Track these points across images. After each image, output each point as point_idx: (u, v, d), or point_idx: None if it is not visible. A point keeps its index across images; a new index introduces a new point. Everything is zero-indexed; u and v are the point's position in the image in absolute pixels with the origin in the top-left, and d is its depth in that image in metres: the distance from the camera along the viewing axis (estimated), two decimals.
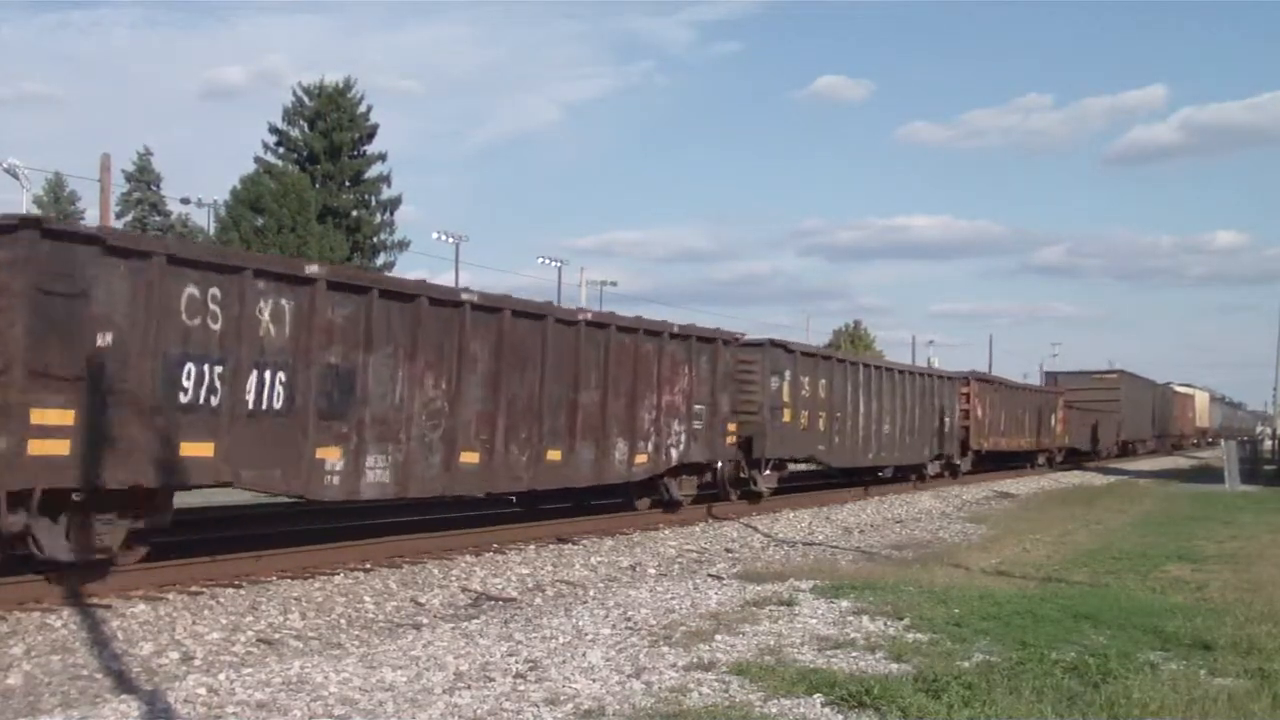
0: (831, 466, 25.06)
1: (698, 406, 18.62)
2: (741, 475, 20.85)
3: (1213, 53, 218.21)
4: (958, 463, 32.16)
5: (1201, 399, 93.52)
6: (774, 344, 21.56)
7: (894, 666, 7.28)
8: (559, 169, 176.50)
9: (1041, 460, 42.24)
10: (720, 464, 19.85)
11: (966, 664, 7.32)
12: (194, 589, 10.41)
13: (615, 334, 16.47)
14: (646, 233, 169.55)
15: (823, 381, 23.16)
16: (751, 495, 21.17)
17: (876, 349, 79.66)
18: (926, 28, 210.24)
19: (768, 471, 21.35)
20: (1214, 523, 20.06)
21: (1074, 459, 46.82)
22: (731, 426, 19.72)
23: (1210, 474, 37.55)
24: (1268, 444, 53.82)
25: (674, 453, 18.00)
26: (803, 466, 25.67)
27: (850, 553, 15.77)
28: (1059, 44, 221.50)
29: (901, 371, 29.05)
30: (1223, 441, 48.97)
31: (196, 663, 8.17)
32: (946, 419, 30.88)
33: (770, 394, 20.97)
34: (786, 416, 21.53)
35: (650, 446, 17.36)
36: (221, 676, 7.04)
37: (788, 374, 21.47)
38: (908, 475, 29.28)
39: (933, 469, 30.55)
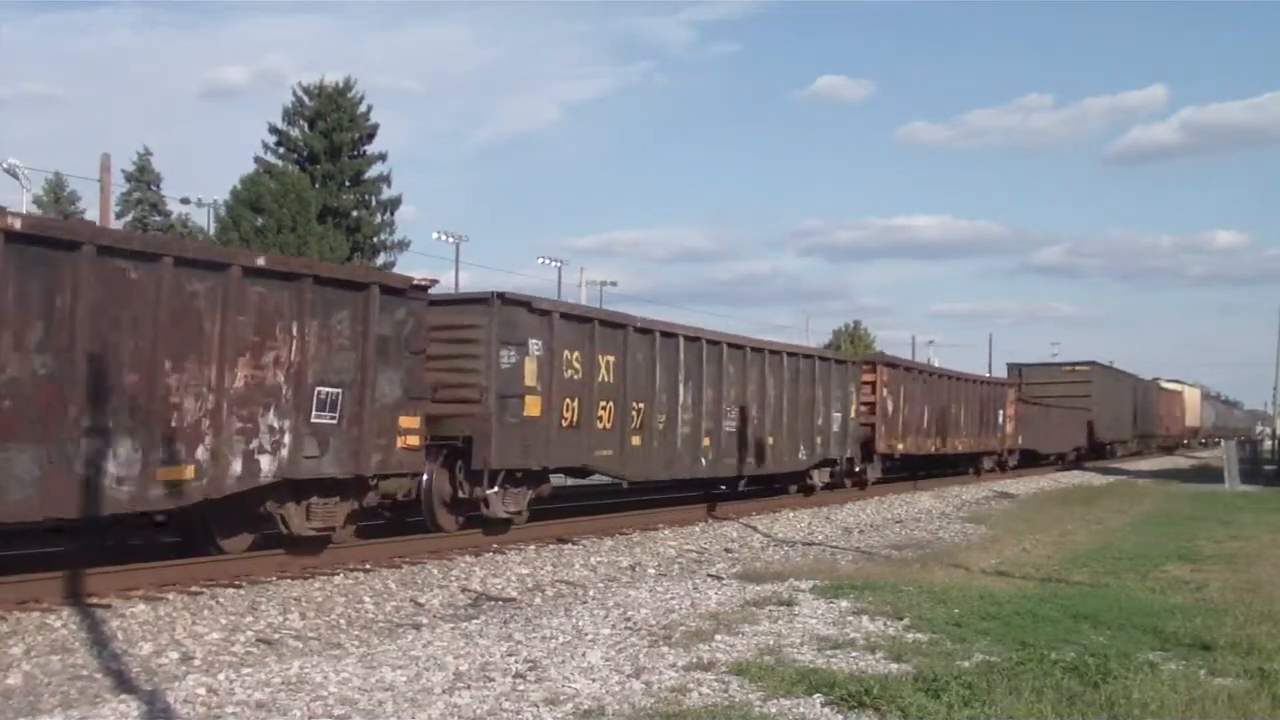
0: (627, 479, 18.14)
1: (325, 390, 11.87)
2: (459, 495, 14.50)
3: (1213, 53, 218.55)
4: (861, 469, 25.57)
5: (1192, 396, 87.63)
6: (508, 301, 14.56)
7: (894, 666, 7.28)
8: (559, 169, 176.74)
9: (990, 465, 35.86)
10: (355, 478, 12.32)
11: (966, 664, 7.32)
12: (194, 589, 10.41)
13: None
14: (646, 233, 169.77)
15: (609, 359, 16.32)
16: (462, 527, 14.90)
17: (876, 349, 79.06)
18: (927, 28, 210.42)
19: (495, 490, 14.50)
20: (1214, 523, 20.07)
21: (1034, 462, 40.95)
22: (408, 421, 12.87)
23: (1210, 474, 37.56)
24: (1268, 444, 53.82)
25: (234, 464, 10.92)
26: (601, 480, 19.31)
27: (850, 553, 15.77)
28: (1059, 44, 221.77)
29: (760, 350, 21.02)
30: (1222, 441, 48.64)
31: (196, 663, 8.16)
32: (838, 415, 24.00)
33: (500, 374, 14.33)
34: (531, 408, 14.78)
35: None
36: (221, 676, 7.04)
37: (535, 346, 14.73)
38: (785, 487, 23.05)
39: (819, 478, 23.54)
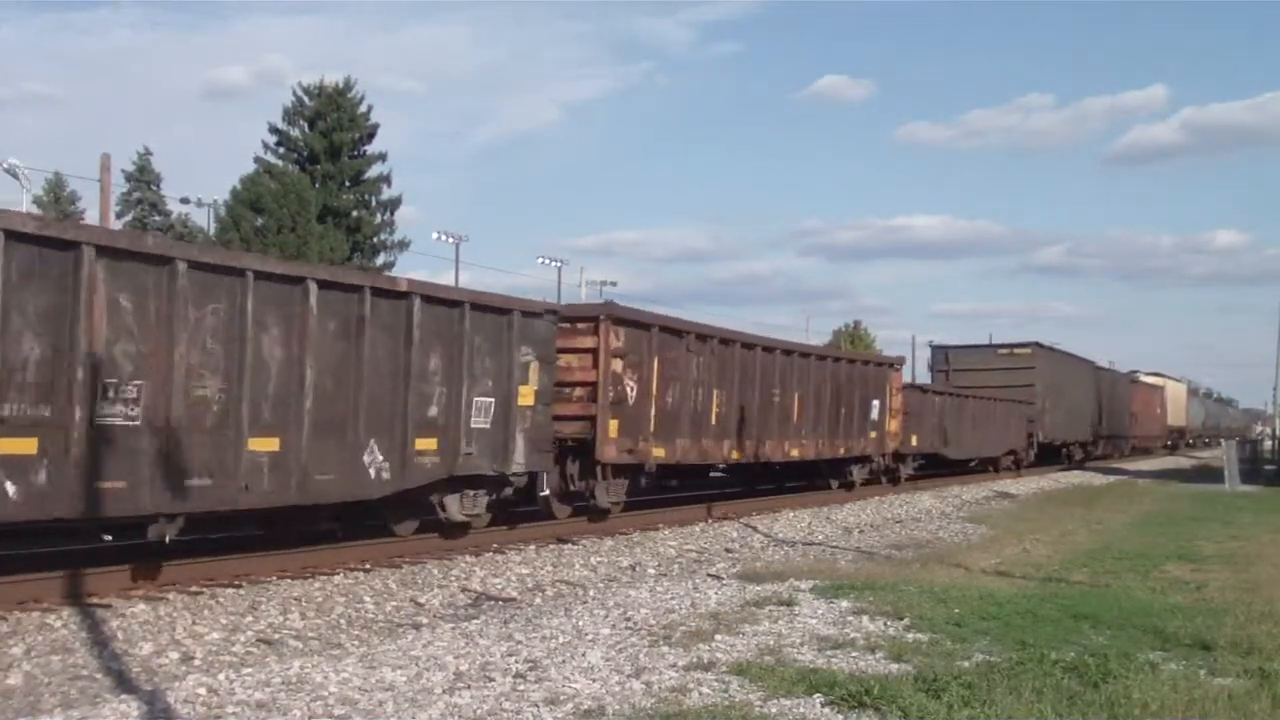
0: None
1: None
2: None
3: (1214, 53, 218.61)
4: (545, 492, 15.61)
5: (1176, 391, 77.55)
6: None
7: (894, 666, 7.28)
8: (559, 169, 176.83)
9: (858, 475, 25.91)
10: None
11: (966, 664, 7.32)
12: (194, 589, 10.41)
13: None
14: (646, 233, 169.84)
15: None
16: None
17: (876, 349, 78.86)
18: (927, 28, 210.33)
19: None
20: (1214, 523, 20.08)
21: (947, 470, 33.26)
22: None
23: (1210, 474, 37.56)
24: (1268, 444, 53.81)
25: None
26: None
27: (850, 553, 15.76)
28: (1060, 44, 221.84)
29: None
30: (1222, 441, 47.74)
31: (196, 663, 8.16)
32: (493, 399, 14.13)
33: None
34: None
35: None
36: (221, 676, 7.04)
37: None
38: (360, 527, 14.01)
39: (458, 509, 13.97)
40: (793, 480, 25.71)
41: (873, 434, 26.16)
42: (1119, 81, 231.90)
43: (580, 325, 16.48)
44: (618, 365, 16.51)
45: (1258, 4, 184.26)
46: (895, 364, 28.62)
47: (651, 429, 17.35)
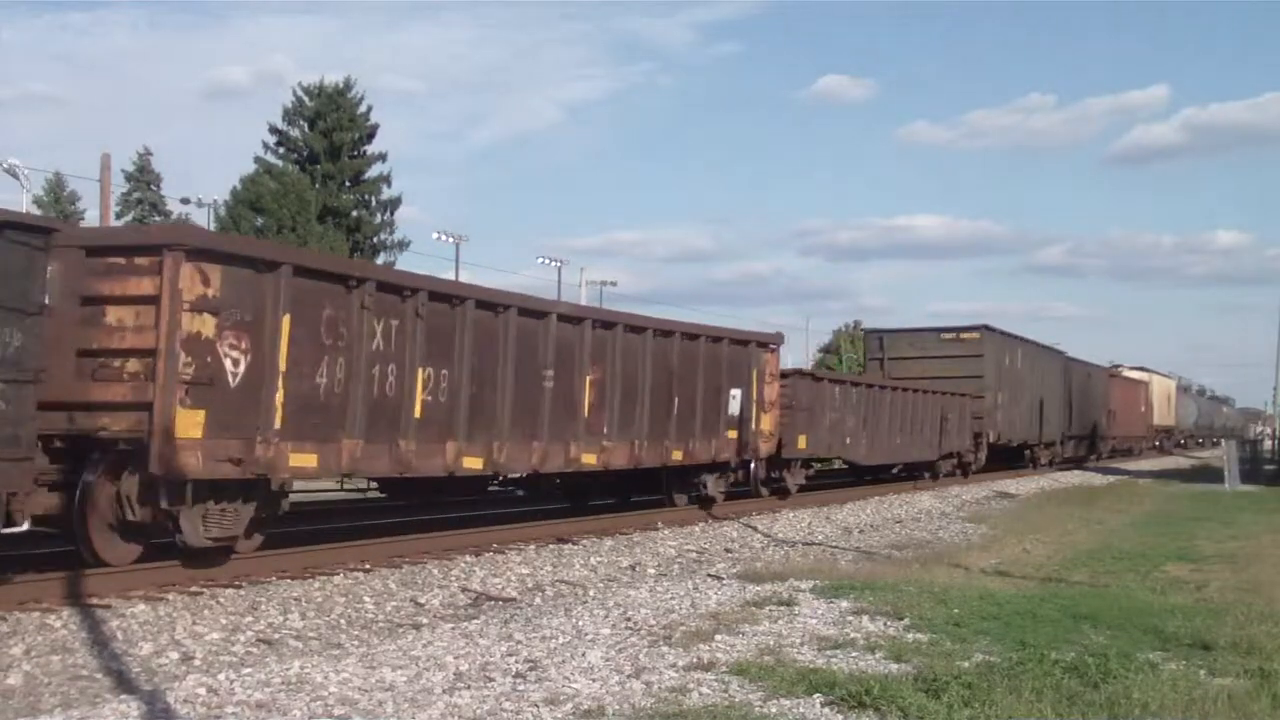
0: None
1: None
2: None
3: (1215, 53, 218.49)
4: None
5: (1163, 387, 71.42)
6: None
7: (894, 666, 7.28)
8: (559, 169, 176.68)
9: (714, 489, 19.92)
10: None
11: (966, 664, 7.32)
12: (194, 589, 10.40)
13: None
14: (647, 233, 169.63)
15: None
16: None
17: None
18: (929, 28, 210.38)
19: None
20: (1214, 523, 20.08)
21: (855, 479, 28.63)
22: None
23: (1210, 474, 37.57)
24: (1267, 444, 53.84)
25: None
26: None
27: (850, 553, 15.77)
28: (1061, 44, 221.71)
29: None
30: (1222, 441, 47.07)
31: (196, 663, 8.16)
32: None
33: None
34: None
35: None
36: (221, 676, 7.04)
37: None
38: None
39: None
40: (628, 493, 19.84)
41: (730, 433, 19.56)
42: (1120, 81, 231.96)
43: (137, 262, 10.40)
44: (204, 325, 10.36)
45: (1258, 4, 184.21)
46: (769, 343, 21.41)
47: (278, 424, 11.06)
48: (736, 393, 19.88)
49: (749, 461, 20.88)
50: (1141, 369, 67.79)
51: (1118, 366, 62.70)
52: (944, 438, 30.34)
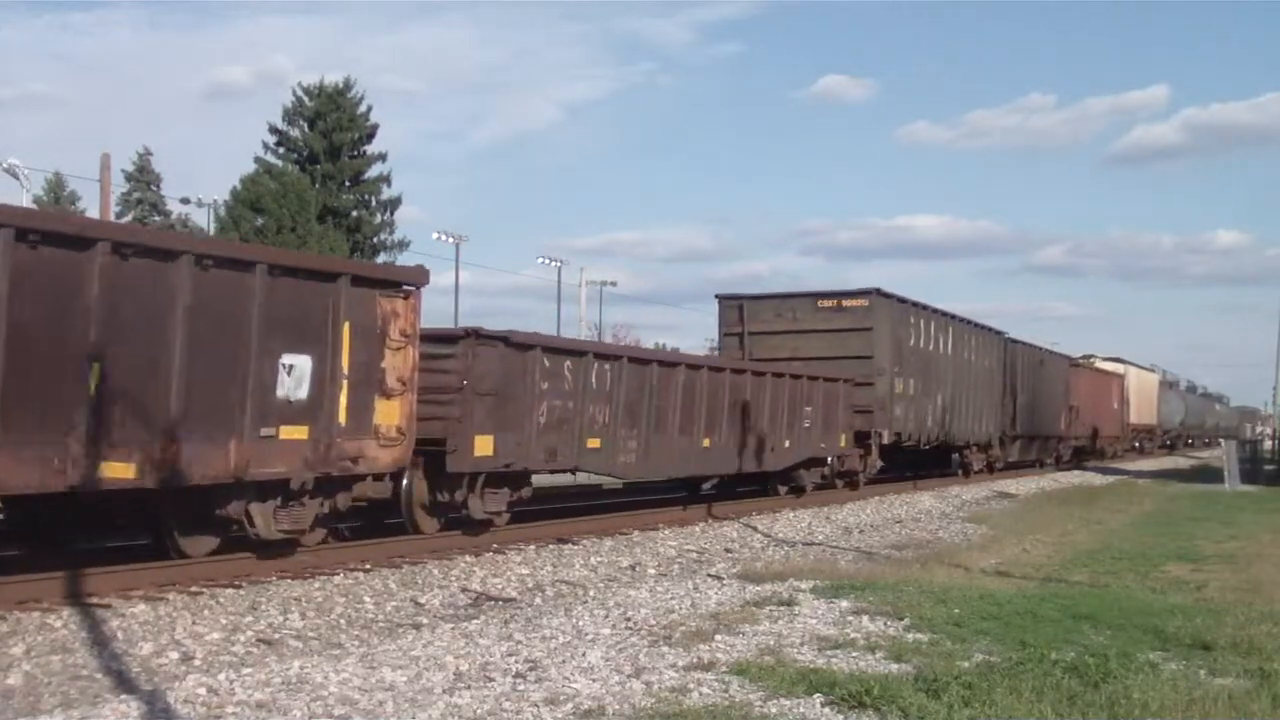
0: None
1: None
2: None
3: (1215, 53, 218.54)
4: None
5: (1143, 382, 63.04)
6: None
7: (894, 666, 7.28)
8: (559, 169, 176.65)
9: (264, 525, 11.24)
10: None
11: (966, 664, 7.32)
12: (194, 589, 10.41)
13: None
14: (647, 233, 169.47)
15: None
16: None
17: None
18: (929, 28, 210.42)
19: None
20: (1214, 523, 20.09)
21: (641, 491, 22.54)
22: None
23: (1210, 474, 37.56)
24: (1267, 444, 53.82)
25: None
26: None
27: (850, 553, 15.76)
28: (1061, 44, 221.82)
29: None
30: (1222, 441, 46.27)
31: (196, 663, 8.16)
32: None
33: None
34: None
35: None
36: (221, 676, 7.04)
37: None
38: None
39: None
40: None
41: (287, 431, 11.43)
42: (1120, 82, 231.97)
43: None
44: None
45: (1260, 4, 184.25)
46: (393, 282, 13.11)
47: None
48: (303, 362, 11.66)
49: (351, 474, 12.21)
50: (1117, 359, 58.66)
51: (1089, 357, 54.68)
52: (800, 438, 22.20)
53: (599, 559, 14.25)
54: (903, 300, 26.82)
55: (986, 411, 32.93)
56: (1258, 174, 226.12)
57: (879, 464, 25.94)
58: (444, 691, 6.61)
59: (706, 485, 22.05)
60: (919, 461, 30.79)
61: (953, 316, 30.52)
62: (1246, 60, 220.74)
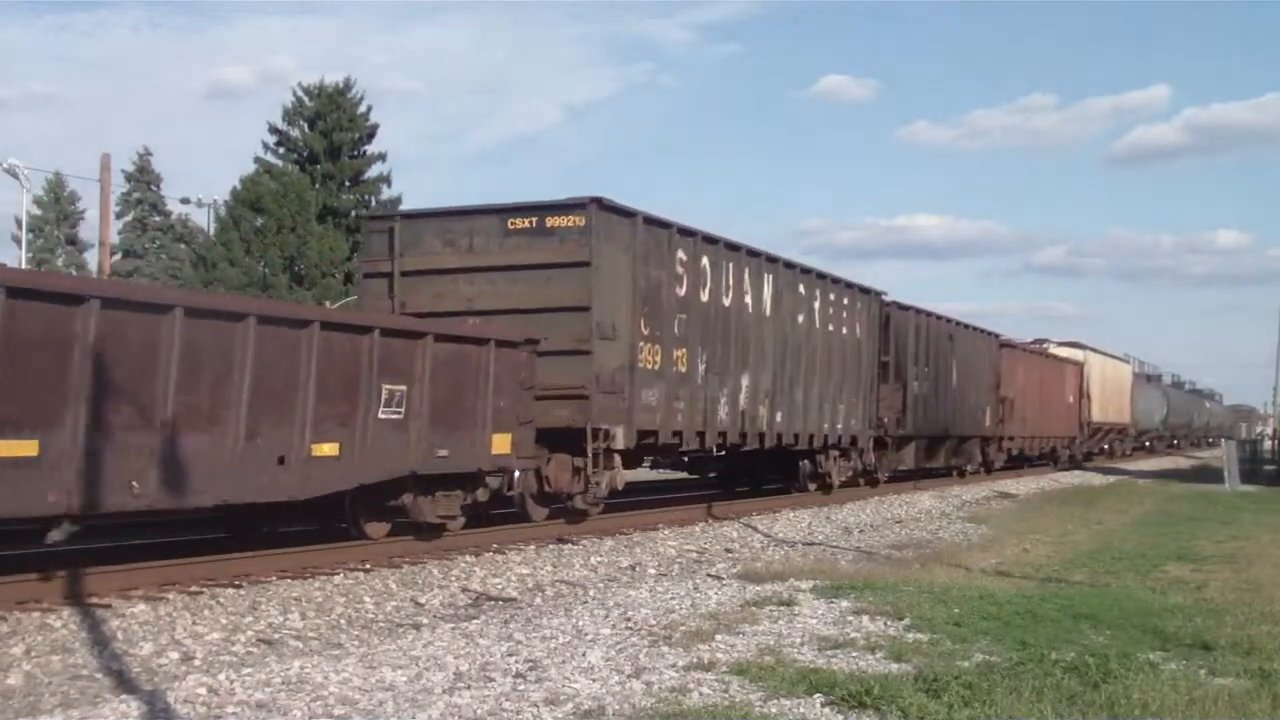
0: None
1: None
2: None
3: (1216, 53, 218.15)
4: None
5: (1108, 372, 51.04)
6: None
7: (894, 666, 7.28)
8: (560, 170, 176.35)
9: None
10: None
11: (966, 664, 7.32)
12: (194, 589, 10.41)
13: None
14: None
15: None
16: None
17: None
18: (930, 28, 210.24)
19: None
20: (1214, 523, 20.08)
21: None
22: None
23: (1210, 474, 37.57)
24: (1267, 444, 53.83)
25: None
26: None
27: (850, 553, 15.77)
28: (1062, 44, 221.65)
29: None
30: (1222, 441, 45.14)
31: (196, 663, 8.16)
32: None
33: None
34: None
35: None
36: (221, 676, 7.04)
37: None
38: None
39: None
40: None
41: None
42: (1121, 82, 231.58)
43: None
44: None
45: (1261, 4, 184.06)
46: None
47: None
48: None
49: None
50: (1074, 344, 47.70)
51: (1041, 341, 45.95)
52: (436, 428, 13.19)
53: (599, 559, 14.26)
54: (658, 222, 17.12)
55: (849, 401, 24.18)
56: (1258, 174, 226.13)
57: (606, 485, 16.16)
58: (444, 691, 6.61)
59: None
60: (748, 470, 23.47)
61: (775, 260, 20.94)
62: (1247, 60, 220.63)
